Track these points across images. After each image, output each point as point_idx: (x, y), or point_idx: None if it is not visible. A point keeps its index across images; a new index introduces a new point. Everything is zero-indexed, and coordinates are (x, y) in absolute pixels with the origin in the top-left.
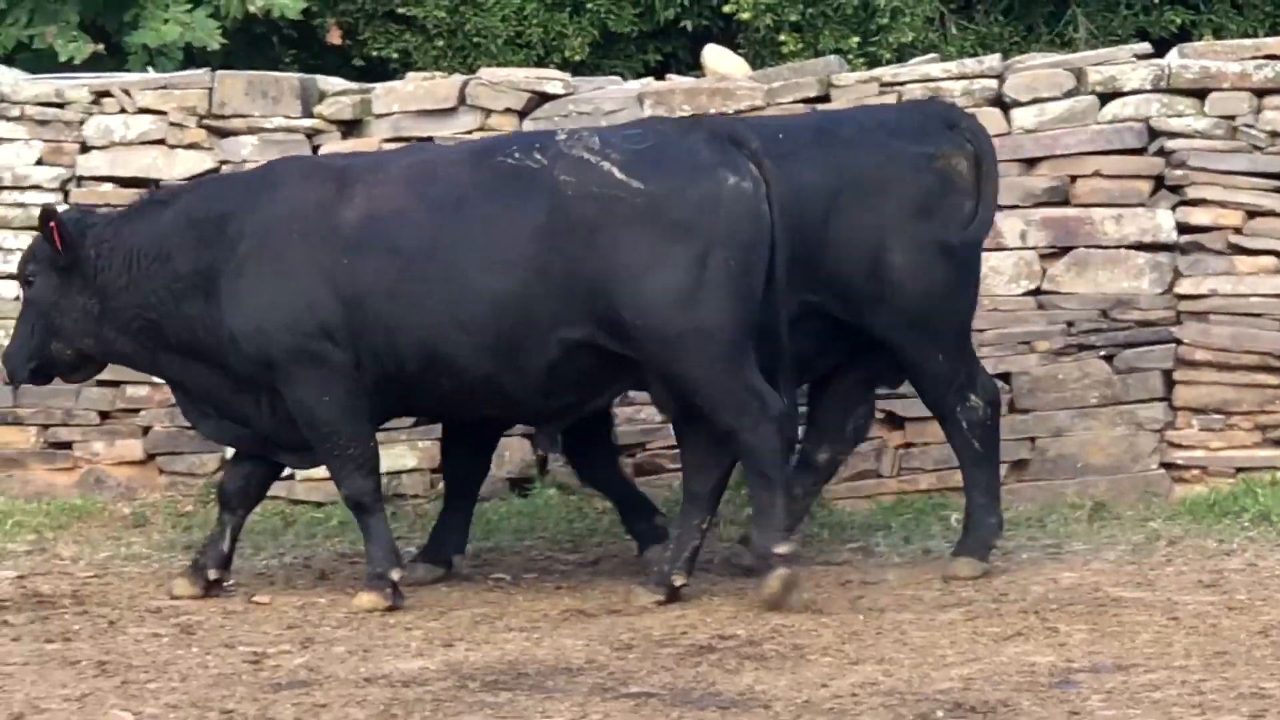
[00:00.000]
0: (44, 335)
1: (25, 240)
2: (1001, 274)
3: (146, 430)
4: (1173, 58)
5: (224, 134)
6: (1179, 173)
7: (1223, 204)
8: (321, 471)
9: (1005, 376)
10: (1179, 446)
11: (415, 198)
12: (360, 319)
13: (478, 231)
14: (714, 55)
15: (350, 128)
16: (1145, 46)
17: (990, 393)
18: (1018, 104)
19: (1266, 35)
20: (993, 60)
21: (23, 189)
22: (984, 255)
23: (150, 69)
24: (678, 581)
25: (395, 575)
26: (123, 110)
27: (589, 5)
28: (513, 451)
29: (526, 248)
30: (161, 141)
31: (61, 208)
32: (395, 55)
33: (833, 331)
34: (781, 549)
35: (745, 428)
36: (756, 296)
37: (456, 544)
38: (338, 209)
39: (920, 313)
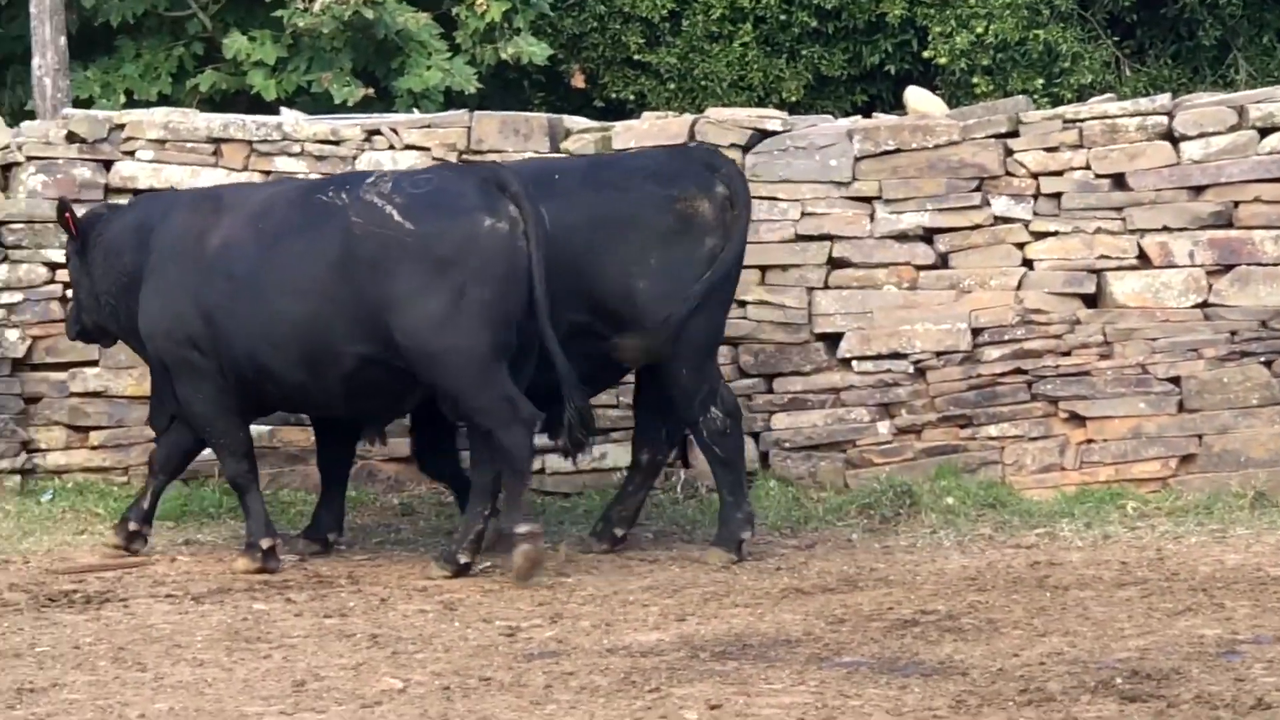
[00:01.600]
0: (76, 306)
1: None
2: (1172, 289)
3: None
4: None
5: None
6: None
7: None
8: (568, 465)
9: (1175, 380)
10: None
11: (253, 229)
12: (214, 333)
13: (287, 262)
14: (915, 95)
15: None
16: None
17: (729, 405)
18: (1186, 138)
19: None
20: (1163, 99)
21: None
22: (1156, 272)
23: (415, 110)
24: (463, 560)
25: (265, 544)
26: (391, 146)
27: (804, 52)
28: None
29: (323, 277)
30: None
31: None
32: (632, 97)
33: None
34: (523, 529)
35: (499, 430)
36: (511, 321)
37: (331, 524)
38: (206, 235)
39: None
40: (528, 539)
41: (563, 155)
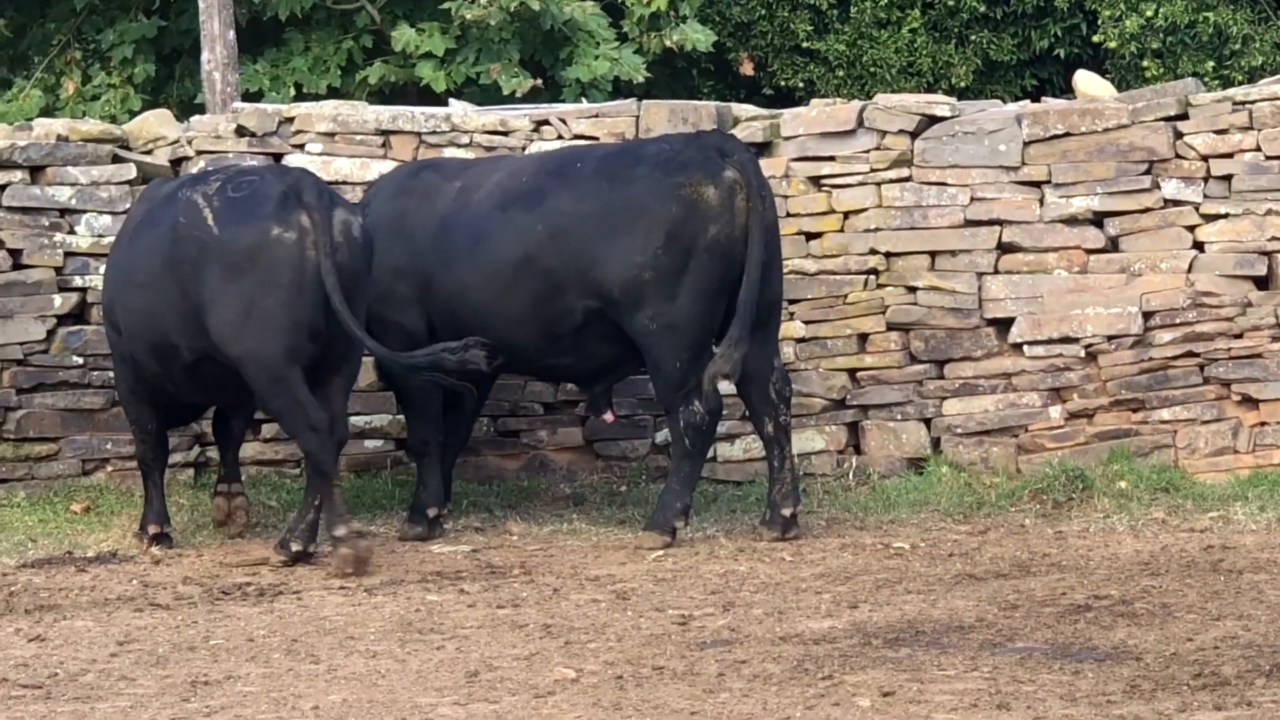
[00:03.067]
0: None
1: None
2: None
3: (584, 420)
4: None
5: None
6: None
7: None
8: (740, 453)
9: None
10: None
11: (137, 222)
12: (113, 320)
13: (137, 256)
14: (1084, 79)
15: (762, 149)
16: None
17: (714, 405)
18: None
19: None
20: None
21: None
22: None
23: (583, 100)
24: (295, 548)
25: (153, 530)
26: (559, 136)
27: (972, 37)
28: (909, 434)
29: (160, 273)
30: None
31: None
32: (801, 84)
33: (616, 333)
34: (339, 531)
35: (295, 435)
36: (303, 329)
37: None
38: (126, 228)
39: (667, 322)
40: (346, 542)
41: (590, 142)
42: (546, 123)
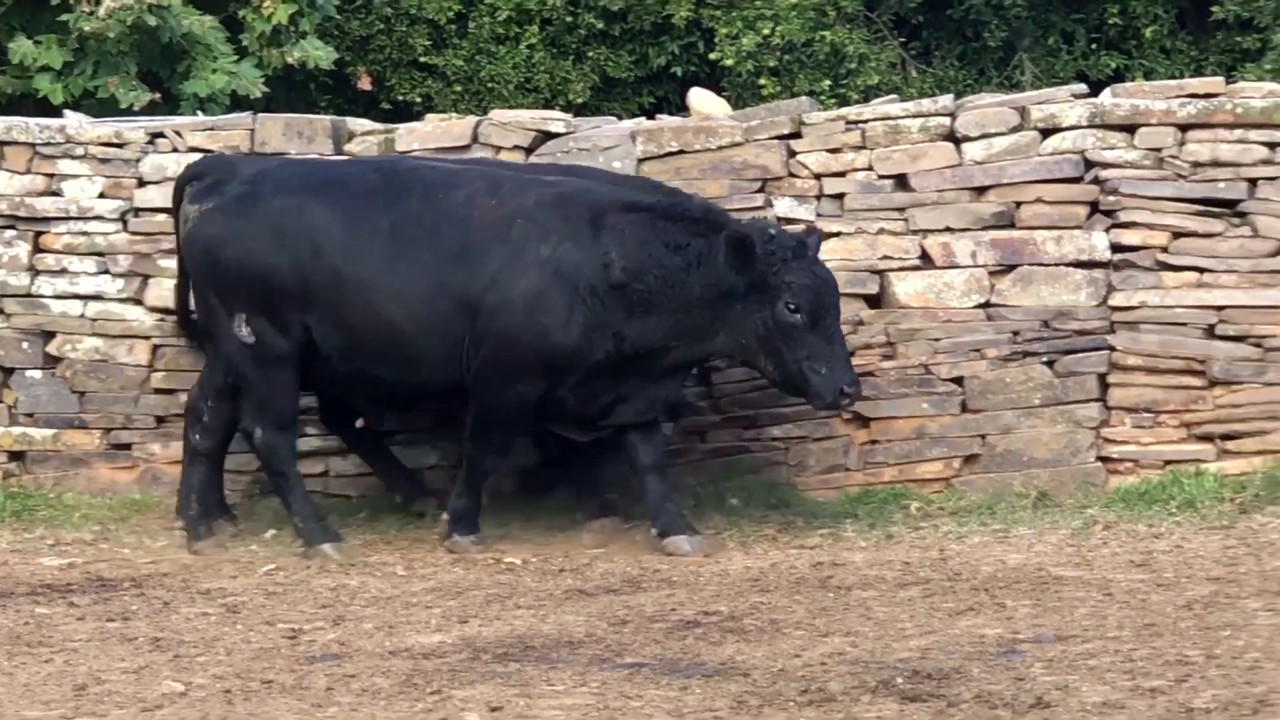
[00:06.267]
0: None
1: (90, 264)
2: (955, 289)
3: None
4: (1106, 97)
5: None
6: (1112, 199)
7: (1150, 226)
8: (352, 467)
9: (959, 380)
10: (1113, 442)
11: None
12: None
13: None
14: (698, 97)
15: None
16: (1082, 87)
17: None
18: (968, 139)
19: (1190, 76)
20: (946, 100)
21: (86, 219)
22: (939, 272)
23: (200, 114)
24: None
25: None
26: (175, 149)
27: (590, 54)
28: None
29: None
30: None
31: (119, 238)
32: (419, 99)
33: None
34: None
35: None
36: None
37: None
38: None
39: None
40: None
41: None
42: (162, 135)
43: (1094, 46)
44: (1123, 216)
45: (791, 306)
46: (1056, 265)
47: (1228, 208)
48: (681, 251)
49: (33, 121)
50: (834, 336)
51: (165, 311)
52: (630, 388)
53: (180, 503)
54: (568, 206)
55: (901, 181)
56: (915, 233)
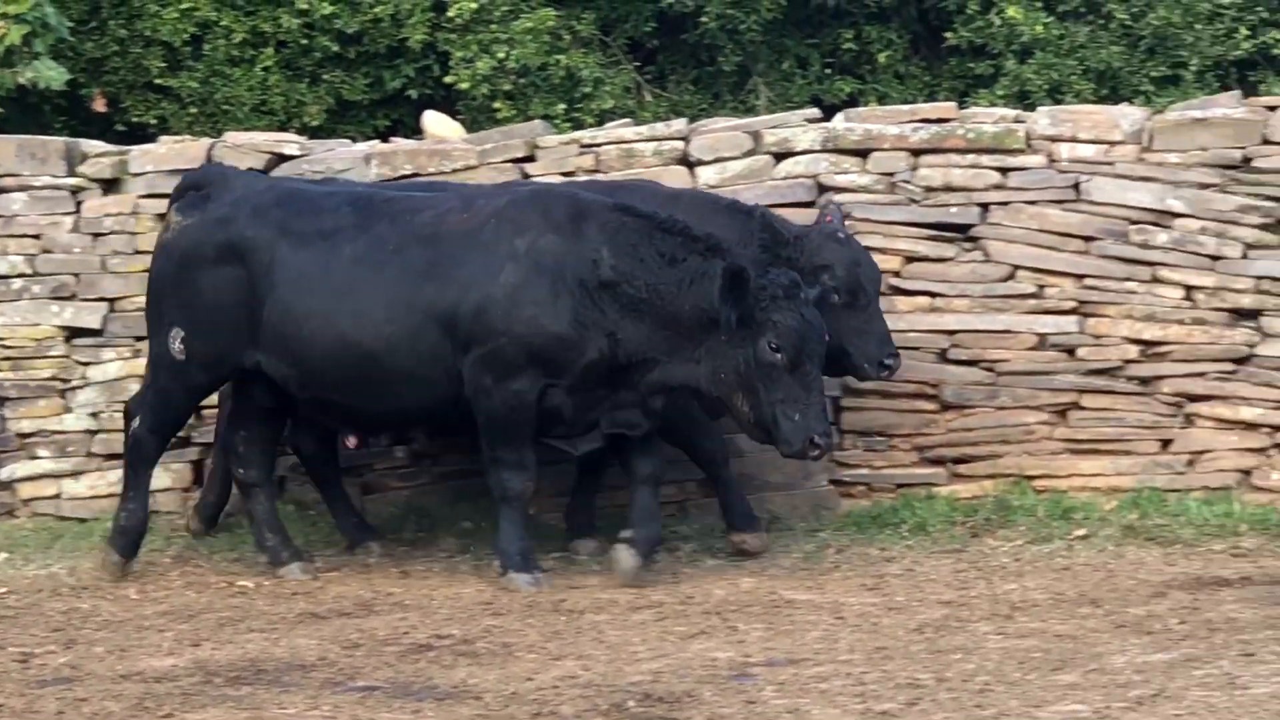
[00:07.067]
0: None
1: None
2: None
3: None
4: (839, 121)
5: None
6: (846, 223)
7: (883, 250)
8: (85, 490)
9: None
10: (846, 465)
11: None
12: None
13: None
14: (432, 120)
15: (110, 185)
16: (815, 112)
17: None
18: (702, 162)
19: (924, 101)
20: (679, 124)
21: None
22: None
23: None
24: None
25: None
26: None
27: (325, 76)
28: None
29: None
30: None
31: None
32: (154, 121)
33: None
34: None
35: None
36: None
37: None
38: None
39: None
40: None
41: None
42: None
43: (829, 71)
44: None
45: (773, 345)
46: None
47: (960, 232)
48: (676, 265)
49: None
50: (812, 384)
51: None
52: (623, 399)
53: (256, 539)
54: (545, 202)
55: None
56: None
